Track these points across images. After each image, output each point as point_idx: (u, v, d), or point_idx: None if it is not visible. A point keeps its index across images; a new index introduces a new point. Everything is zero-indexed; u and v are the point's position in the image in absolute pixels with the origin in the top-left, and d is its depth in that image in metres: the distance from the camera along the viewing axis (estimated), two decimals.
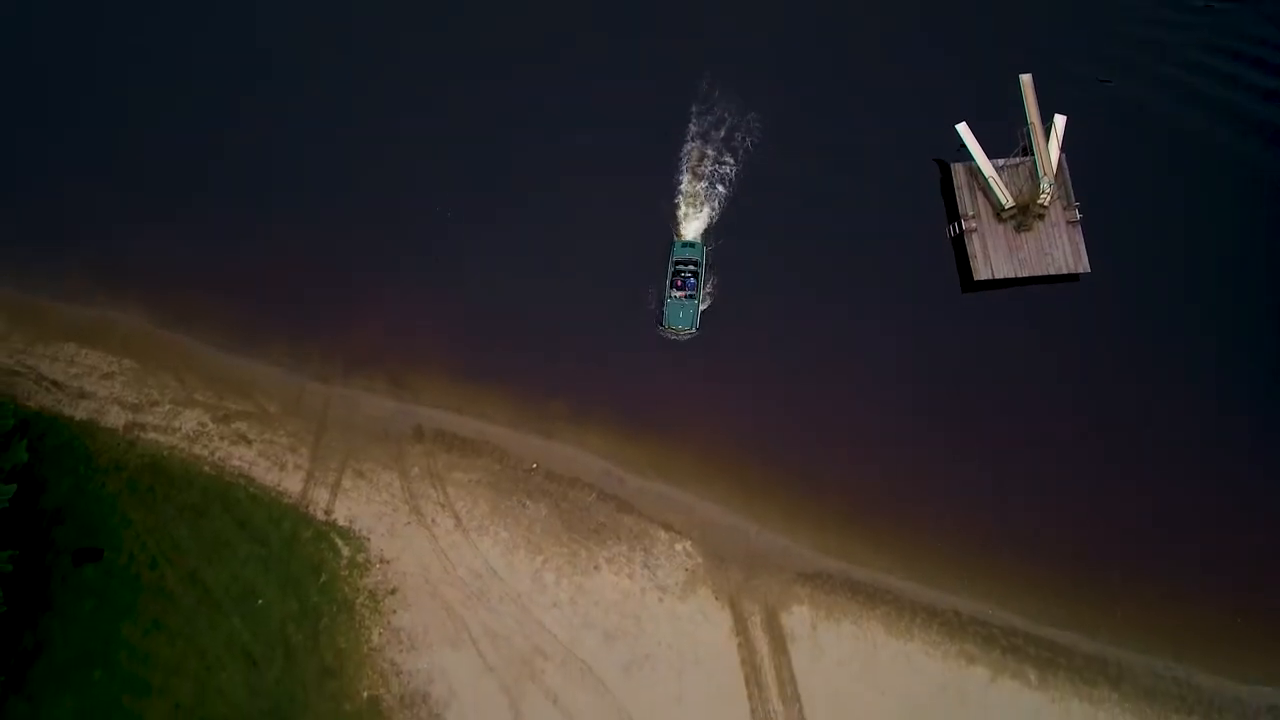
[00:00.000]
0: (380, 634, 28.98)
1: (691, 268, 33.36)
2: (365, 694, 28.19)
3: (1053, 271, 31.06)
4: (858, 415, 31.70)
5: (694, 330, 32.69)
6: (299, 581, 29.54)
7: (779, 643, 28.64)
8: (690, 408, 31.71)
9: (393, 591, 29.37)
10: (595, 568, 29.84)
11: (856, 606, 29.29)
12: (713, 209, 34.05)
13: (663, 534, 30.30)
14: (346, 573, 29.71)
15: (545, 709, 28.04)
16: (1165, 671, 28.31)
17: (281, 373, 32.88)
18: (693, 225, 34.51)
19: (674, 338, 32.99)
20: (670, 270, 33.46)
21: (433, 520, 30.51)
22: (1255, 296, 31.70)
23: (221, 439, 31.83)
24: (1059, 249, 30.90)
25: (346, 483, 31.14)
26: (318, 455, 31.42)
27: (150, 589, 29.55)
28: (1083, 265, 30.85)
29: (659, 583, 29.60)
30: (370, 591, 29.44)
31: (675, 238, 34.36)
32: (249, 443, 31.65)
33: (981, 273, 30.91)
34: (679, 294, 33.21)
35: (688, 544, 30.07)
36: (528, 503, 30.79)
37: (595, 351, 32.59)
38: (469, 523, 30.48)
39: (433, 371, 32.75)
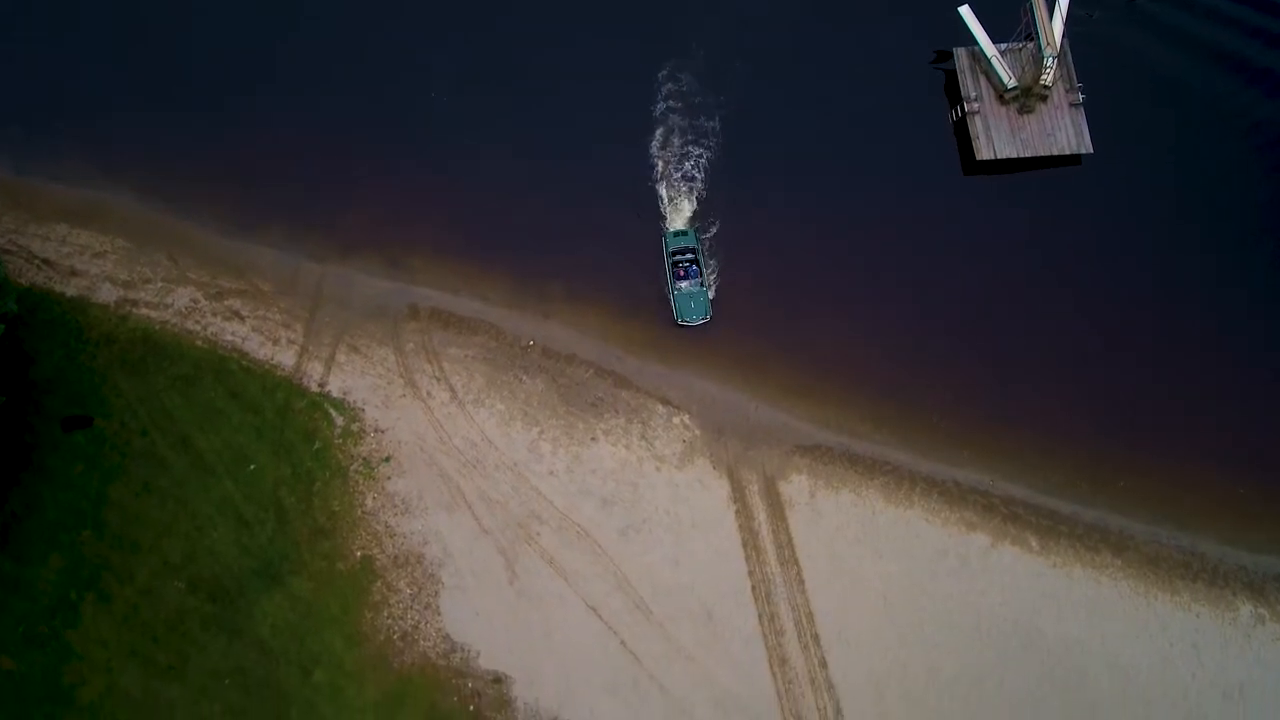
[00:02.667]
0: (374, 498, 33.11)
1: (689, 256, 37.06)
2: (359, 553, 32.22)
3: (1055, 152, 35.73)
4: (859, 294, 36.23)
5: (708, 318, 36.20)
6: (292, 448, 33.79)
7: (777, 509, 32.79)
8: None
9: (387, 459, 33.58)
10: (592, 439, 34.07)
11: (855, 476, 33.44)
12: (717, 96, 38.27)
13: (660, 408, 34.63)
14: (340, 441, 33.94)
15: (541, 570, 32.06)
16: (1169, 540, 32.33)
17: (276, 253, 37.40)
18: (682, 211, 39.38)
19: (690, 326, 36.31)
20: (668, 263, 36.62)
21: (428, 393, 34.79)
22: (1256, 177, 36.23)
23: (214, 315, 36.27)
24: (1062, 130, 35.72)
25: (341, 357, 35.50)
26: (312, 331, 35.83)
27: (141, 454, 33.69)
28: (1085, 146, 35.55)
29: (656, 453, 33.84)
30: (364, 459, 33.65)
31: (665, 228, 38.40)
32: (242, 319, 36.11)
33: (983, 152, 35.63)
34: (684, 284, 36.21)
35: (686, 417, 34.38)
36: (524, 378, 35.14)
37: (594, 233, 37.31)
38: (465, 396, 34.76)
39: (430, 253, 37.26)
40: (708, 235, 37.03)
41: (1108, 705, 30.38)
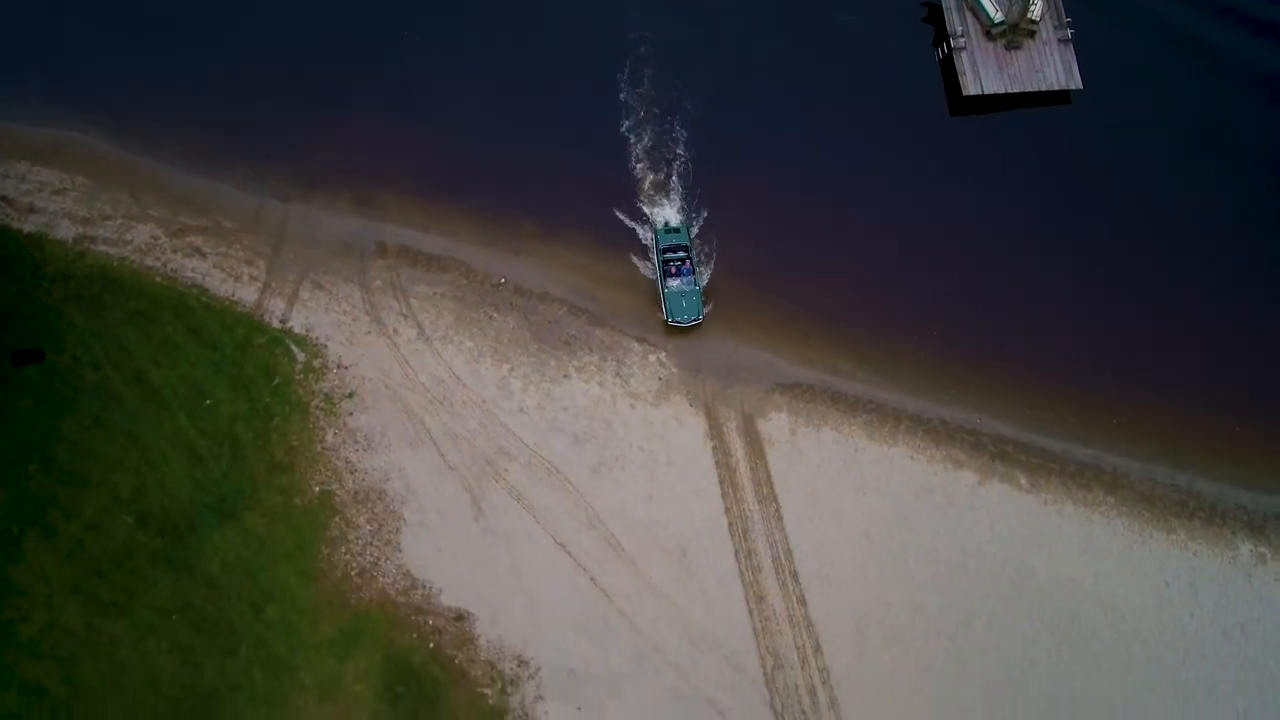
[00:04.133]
0: (335, 434, 33.65)
1: (681, 254, 37.62)
2: (317, 489, 32.70)
3: (1044, 88, 36.94)
4: (843, 232, 37.46)
5: (700, 318, 36.19)
6: (251, 383, 34.43)
7: (755, 446, 33.34)
8: (665, 220, 38.29)
9: (350, 395, 34.17)
10: (565, 376, 34.73)
11: (838, 414, 34.06)
12: (692, 33, 41.08)
13: (636, 345, 35.38)
14: (301, 376, 34.60)
15: (508, 506, 32.56)
16: (1164, 479, 32.93)
17: (240, 192, 38.71)
18: (673, 205, 40.10)
19: (682, 327, 36.29)
20: (659, 260, 36.94)
21: (394, 330, 35.50)
22: (1248, 115, 38.81)
23: (175, 252, 37.14)
24: (1050, 66, 36.98)
25: (304, 294, 36.29)
26: (275, 268, 36.68)
27: (93, 389, 34.31)
28: (1075, 82, 36.72)
29: (631, 390, 34.46)
30: (326, 395, 34.26)
31: (656, 227, 38.98)
32: (203, 255, 36.98)
33: (970, 88, 36.78)
34: (675, 283, 36.21)
35: (662, 355, 35.11)
36: (495, 315, 35.86)
37: (567, 172, 38.32)
38: (432, 333, 35.52)
39: (399, 191, 38.39)
40: (683, 174, 37.42)
41: (1101, 643, 30.61)
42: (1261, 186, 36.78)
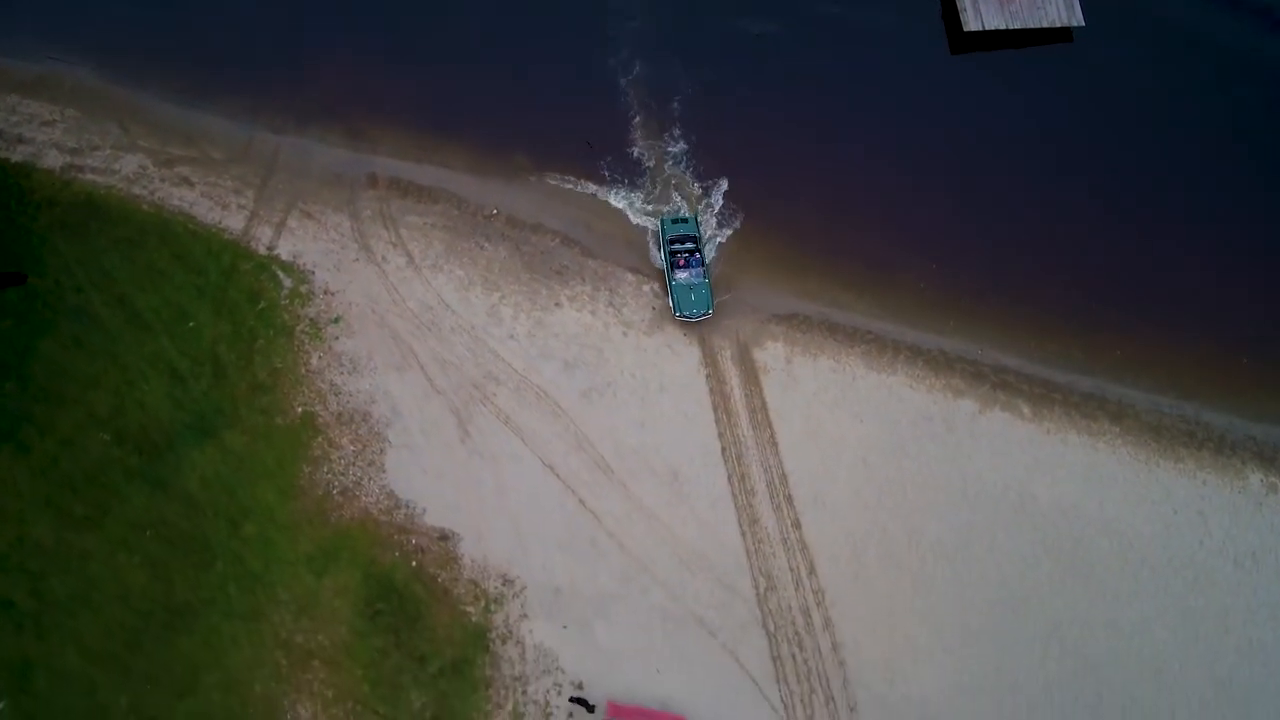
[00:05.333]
0: (320, 358, 34.25)
1: (690, 244, 37.66)
2: (299, 409, 33.18)
3: (1045, 24, 38.05)
4: (842, 166, 38.52)
5: (709, 312, 35.60)
6: (235, 307, 35.12)
7: (751, 374, 33.89)
8: (664, 160, 39.63)
9: (336, 320, 34.81)
10: (556, 304, 35.39)
11: (835, 344, 34.74)
12: None
13: (630, 276, 36.07)
14: (287, 301, 35.26)
15: (495, 430, 32.98)
16: (1171, 409, 33.39)
17: (231, 123, 39.66)
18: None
19: (691, 321, 35.85)
20: (666, 252, 36.47)
21: (383, 258, 36.25)
22: (1252, 47, 39.52)
23: (162, 181, 38.07)
24: (1051, 2, 38.02)
25: (293, 223, 37.13)
26: (263, 197, 37.60)
27: (74, 311, 35.08)
28: (1076, 18, 37.91)
29: (624, 319, 35.09)
30: (312, 319, 34.92)
31: (662, 216, 38.82)
32: (191, 185, 37.87)
33: (971, 24, 37.94)
34: (683, 275, 35.79)
35: (656, 285, 35.87)
36: (486, 245, 36.61)
37: (562, 103, 39.16)
38: (422, 261, 36.23)
39: (392, 124, 39.53)
40: (679, 106, 38.12)
41: (1106, 569, 30.82)
42: (1266, 118, 37.26)
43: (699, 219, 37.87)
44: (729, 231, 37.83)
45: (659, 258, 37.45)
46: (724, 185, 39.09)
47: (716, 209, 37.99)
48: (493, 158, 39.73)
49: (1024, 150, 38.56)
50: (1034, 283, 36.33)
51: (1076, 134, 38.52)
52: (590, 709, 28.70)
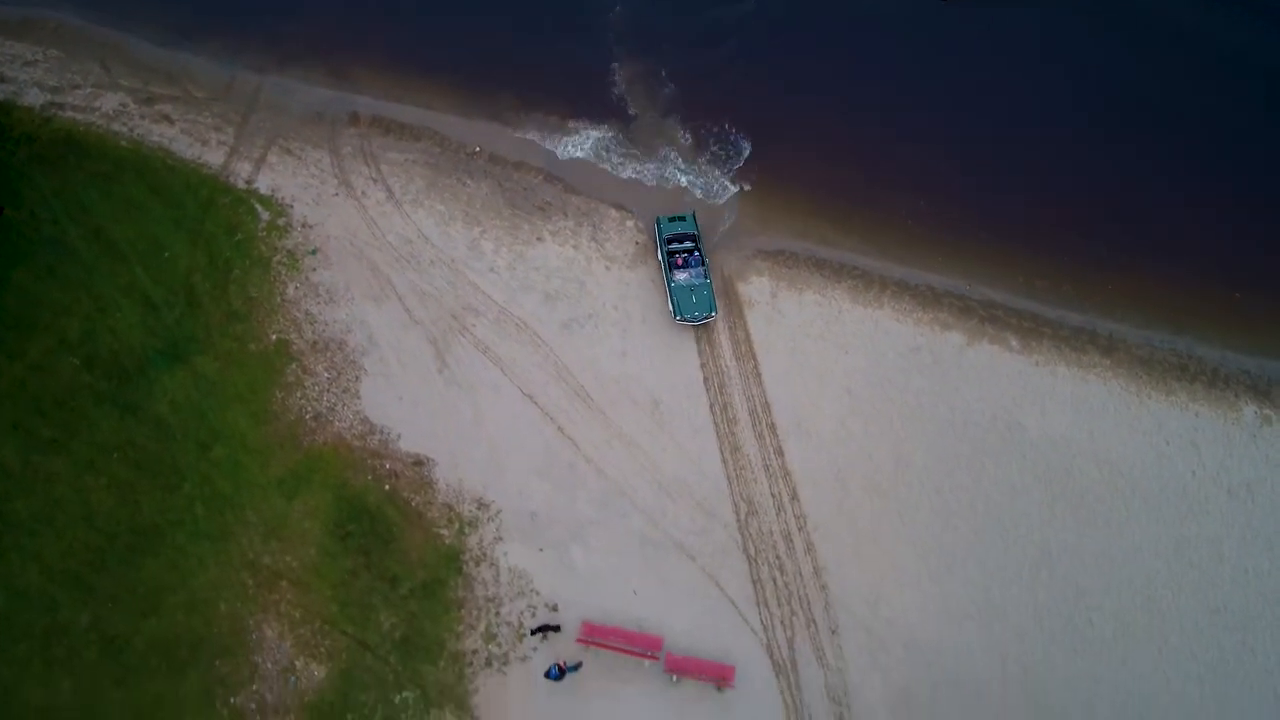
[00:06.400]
0: (297, 288, 34.52)
1: (689, 244, 37.17)
2: (274, 337, 33.44)
3: None
4: (827, 100, 39.19)
5: (713, 314, 34.56)
6: (212, 239, 35.48)
7: (735, 306, 34.18)
8: (652, 100, 39.87)
9: (313, 251, 35.11)
10: (538, 239, 35.68)
11: (821, 279, 35.01)
12: None
13: (613, 212, 36.43)
14: (265, 234, 35.65)
15: (473, 359, 33.26)
16: (1163, 344, 33.73)
17: (213, 63, 40.46)
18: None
19: (693, 325, 34.84)
20: (663, 252, 35.48)
21: (363, 193, 36.69)
22: None
23: (142, 118, 38.61)
24: None
25: (273, 158, 37.61)
26: (243, 134, 38.13)
27: (49, 241, 35.55)
28: None
29: (606, 254, 35.40)
30: (289, 251, 35.22)
31: (658, 216, 38.00)
32: (171, 122, 38.34)
33: None
34: (683, 276, 34.83)
35: (639, 221, 36.11)
36: (468, 181, 37.06)
37: (547, 44, 39.57)
38: (403, 196, 36.72)
39: (375, 63, 40.29)
40: (668, 47, 38.54)
41: (1097, 498, 30.89)
42: (1260, 50, 37.59)
43: (696, 216, 37.25)
44: (717, 173, 37.32)
45: (655, 240, 36.89)
46: (711, 127, 39.16)
47: (705, 151, 37.51)
48: (475, 96, 40.17)
49: (1013, 88, 38.98)
50: (1024, 219, 36.64)
51: (1066, 71, 38.98)
52: (556, 629, 28.37)
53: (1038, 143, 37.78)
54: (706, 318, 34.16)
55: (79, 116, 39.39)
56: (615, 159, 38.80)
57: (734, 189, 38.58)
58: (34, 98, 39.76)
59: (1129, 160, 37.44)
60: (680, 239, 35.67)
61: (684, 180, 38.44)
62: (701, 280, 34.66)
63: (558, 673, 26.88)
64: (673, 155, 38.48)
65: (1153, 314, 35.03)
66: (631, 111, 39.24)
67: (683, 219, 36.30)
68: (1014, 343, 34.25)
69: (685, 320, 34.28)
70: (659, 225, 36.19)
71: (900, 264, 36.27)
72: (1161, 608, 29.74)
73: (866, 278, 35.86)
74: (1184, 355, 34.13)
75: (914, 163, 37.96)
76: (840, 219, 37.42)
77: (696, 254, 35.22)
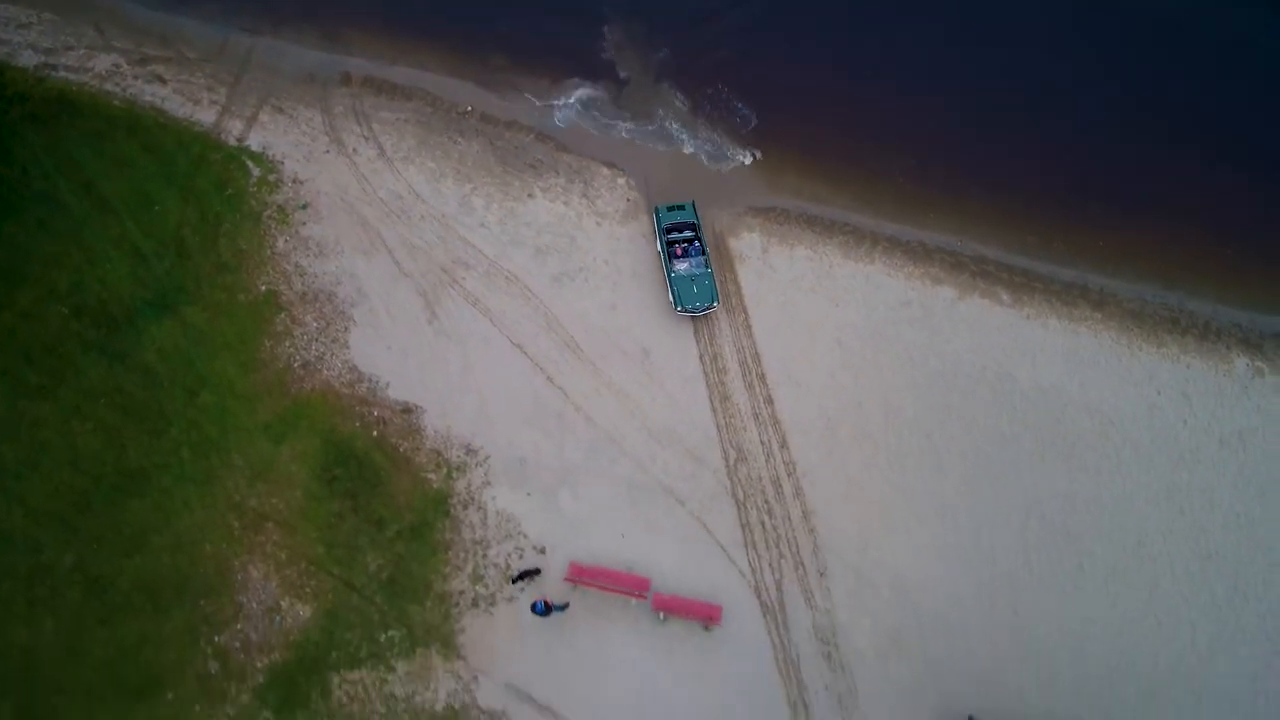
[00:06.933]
0: (287, 241, 34.99)
1: (689, 233, 36.79)
2: (263, 288, 33.86)
3: None
4: (816, 54, 39.51)
5: (715, 304, 34.07)
6: (203, 194, 36.01)
7: (726, 261, 34.63)
8: (644, 60, 40.21)
9: (304, 206, 35.61)
10: (529, 195, 36.25)
11: (813, 235, 35.46)
12: None
13: (605, 170, 36.98)
14: (256, 189, 36.22)
15: (463, 311, 33.68)
16: (1154, 298, 34.21)
17: (206, 25, 41.18)
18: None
19: (694, 316, 34.40)
20: (662, 242, 34.99)
21: (354, 150, 37.22)
22: None
23: (135, 78, 39.19)
24: None
25: (264, 117, 38.09)
26: (236, 94, 38.72)
27: (39, 196, 36.24)
28: None
29: (598, 210, 35.88)
30: (280, 206, 35.74)
31: (656, 205, 37.56)
32: (164, 82, 38.95)
33: None
34: (683, 266, 34.41)
35: (631, 179, 36.52)
36: (460, 140, 37.55)
37: (542, 4, 39.59)
38: (394, 154, 37.23)
39: (368, 25, 41.16)
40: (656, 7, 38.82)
41: (1088, 446, 31.17)
42: (1254, 7, 37.89)
43: (696, 204, 36.97)
44: (711, 131, 37.81)
45: (654, 230, 36.48)
46: (704, 87, 39.68)
47: (699, 111, 37.96)
48: (468, 58, 40.51)
49: (1004, 44, 39.27)
50: (1015, 176, 36.96)
51: (1057, 25, 39.18)
52: (537, 573, 28.50)
53: (1029, 100, 38.17)
54: (709, 308, 33.76)
55: (72, 77, 39.85)
56: (607, 118, 39.20)
57: (740, 157, 38.75)
58: (28, 59, 40.22)
59: (1120, 117, 37.78)
60: (680, 228, 35.13)
61: (680, 140, 39.03)
62: (702, 270, 34.20)
63: (544, 607, 26.93)
64: (665, 115, 38.78)
65: (1144, 269, 35.29)
66: (623, 72, 39.77)
67: (682, 208, 35.69)
68: (1005, 297, 34.48)
69: (687, 311, 33.80)
70: (657, 215, 35.69)
71: (892, 221, 36.60)
72: (1152, 553, 29.84)
73: (858, 234, 36.14)
74: (1175, 309, 34.37)
75: (906, 121, 38.32)
76: (832, 177, 37.83)
77: (697, 243, 34.68)
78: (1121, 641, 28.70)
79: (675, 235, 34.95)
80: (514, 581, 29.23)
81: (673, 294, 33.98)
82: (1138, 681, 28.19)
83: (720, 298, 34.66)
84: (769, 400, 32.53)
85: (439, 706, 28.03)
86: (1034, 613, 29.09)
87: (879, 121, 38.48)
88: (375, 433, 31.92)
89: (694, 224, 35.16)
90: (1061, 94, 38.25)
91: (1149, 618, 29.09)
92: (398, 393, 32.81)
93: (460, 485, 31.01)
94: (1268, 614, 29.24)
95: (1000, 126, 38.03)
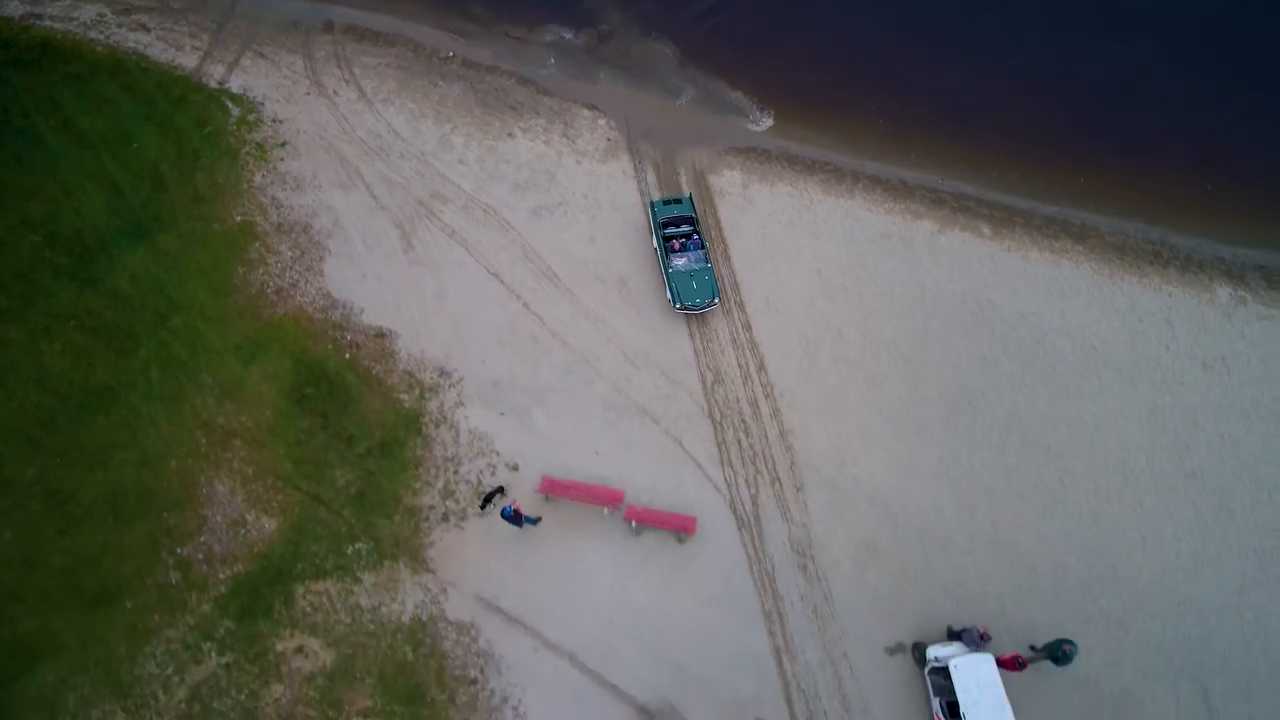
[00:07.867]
0: (264, 176, 35.58)
1: (686, 227, 35.94)
2: (239, 218, 34.42)
3: None
4: (801, 4, 39.14)
5: (716, 300, 32.81)
6: (181, 131, 36.56)
7: (706, 196, 35.21)
8: (622, 2, 41.28)
9: (283, 144, 36.22)
10: (509, 135, 36.87)
11: (794, 173, 36.07)
12: None
13: (585, 112, 37.67)
14: (235, 128, 36.82)
15: (440, 241, 34.07)
16: (1136, 233, 34.59)
17: None
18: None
19: (694, 313, 33.30)
20: (659, 237, 33.82)
21: (334, 92, 37.92)
22: None
23: (119, 27, 40.19)
24: None
25: (246, 62, 38.91)
26: (218, 40, 39.66)
27: (17, 133, 36.82)
28: None
29: (578, 149, 36.55)
30: (258, 143, 36.34)
31: (652, 200, 35.78)
32: (147, 30, 39.89)
33: None
34: (681, 261, 33.25)
35: (612, 120, 37.24)
36: (440, 83, 38.29)
37: None
38: (374, 96, 37.92)
39: None
40: None
41: (1069, 369, 31.41)
42: None
43: (694, 197, 36.42)
44: (694, 75, 38.40)
45: (649, 224, 35.63)
46: (687, 34, 40.55)
47: (681, 56, 38.59)
48: (452, 7, 41.06)
49: None
50: (995, 115, 37.59)
51: None
52: (501, 491, 28.31)
53: (1010, 40, 39.00)
54: (709, 304, 32.72)
55: (56, 25, 40.57)
56: (590, 63, 39.60)
57: (722, 98, 39.40)
58: (13, 9, 41.08)
59: (1100, 55, 38.45)
60: (677, 222, 34.03)
61: (661, 83, 40.11)
62: (702, 265, 33.14)
63: (512, 512, 26.70)
64: (647, 59, 39.27)
65: (1126, 206, 35.83)
66: (605, 18, 40.92)
67: (679, 201, 34.63)
68: (986, 230, 34.82)
69: (686, 309, 32.81)
70: (653, 209, 34.59)
71: (874, 160, 37.18)
72: (1135, 470, 29.79)
73: (839, 172, 36.60)
74: (1157, 243, 34.78)
75: (887, 61, 39.13)
76: (812, 117, 38.45)
77: (695, 237, 33.83)
78: (1104, 557, 28.51)
79: (672, 230, 33.83)
80: (482, 507, 28.95)
81: (671, 291, 32.82)
82: (1120, 593, 27.92)
83: (720, 294, 34.20)
84: (747, 326, 32.64)
85: (405, 618, 27.68)
86: (1013, 525, 28.92)
87: (860, 63, 39.34)
88: (348, 355, 31.97)
89: (691, 217, 34.07)
90: (1042, 34, 38.83)
91: (1132, 533, 28.93)
92: (372, 318, 32.92)
93: (433, 405, 30.95)
94: (1256, 530, 29.07)
95: (981, 67, 38.75)
